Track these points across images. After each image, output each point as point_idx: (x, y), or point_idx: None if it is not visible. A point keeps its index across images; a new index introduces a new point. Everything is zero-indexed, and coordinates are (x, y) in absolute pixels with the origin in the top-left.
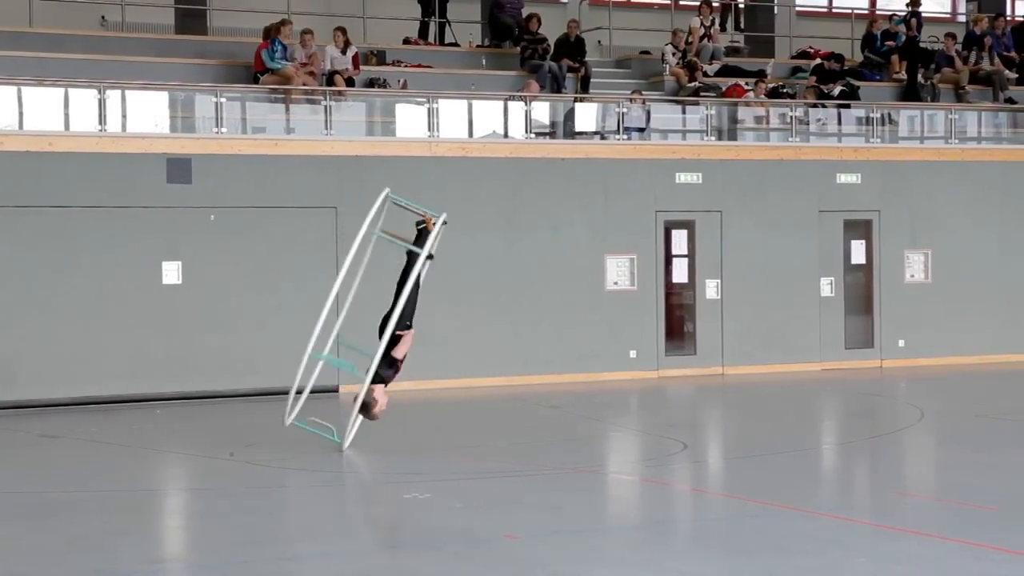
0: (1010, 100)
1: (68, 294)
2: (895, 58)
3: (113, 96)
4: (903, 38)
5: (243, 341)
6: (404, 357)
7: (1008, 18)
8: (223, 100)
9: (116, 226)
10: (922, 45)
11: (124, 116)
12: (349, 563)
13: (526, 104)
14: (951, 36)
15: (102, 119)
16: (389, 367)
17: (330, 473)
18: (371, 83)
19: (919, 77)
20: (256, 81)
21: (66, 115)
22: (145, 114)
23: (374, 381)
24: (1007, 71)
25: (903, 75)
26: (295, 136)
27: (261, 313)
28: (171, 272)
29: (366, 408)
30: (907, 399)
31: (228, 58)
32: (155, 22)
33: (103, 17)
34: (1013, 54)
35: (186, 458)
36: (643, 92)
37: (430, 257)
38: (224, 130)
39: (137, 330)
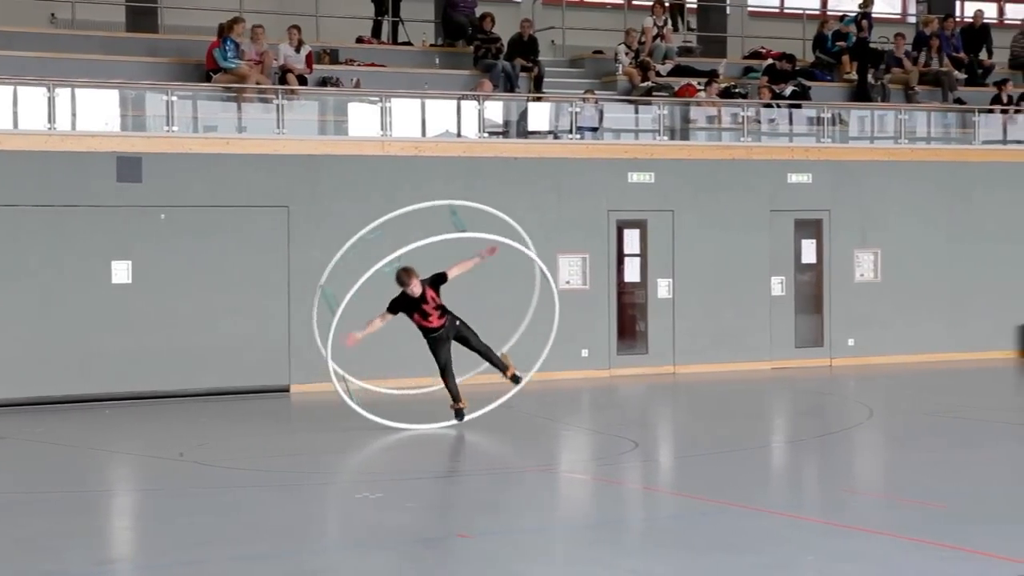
0: (959, 100)
1: (17, 293)
2: (846, 58)
3: (63, 94)
4: (854, 38)
5: (194, 341)
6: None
7: (957, 19)
8: (174, 98)
9: (66, 225)
10: (872, 45)
11: (74, 114)
12: (300, 563)
13: (479, 103)
14: (901, 36)
15: (51, 117)
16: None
17: (281, 473)
18: (324, 82)
19: (869, 77)
20: (208, 79)
21: (15, 113)
22: (95, 112)
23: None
24: (956, 72)
25: (854, 75)
26: (247, 135)
27: (212, 313)
28: (121, 271)
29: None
30: (856, 397)
31: (179, 56)
32: (105, 19)
33: (53, 14)
34: (962, 55)
35: (135, 458)
36: (596, 92)
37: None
38: (175, 129)
39: (87, 330)
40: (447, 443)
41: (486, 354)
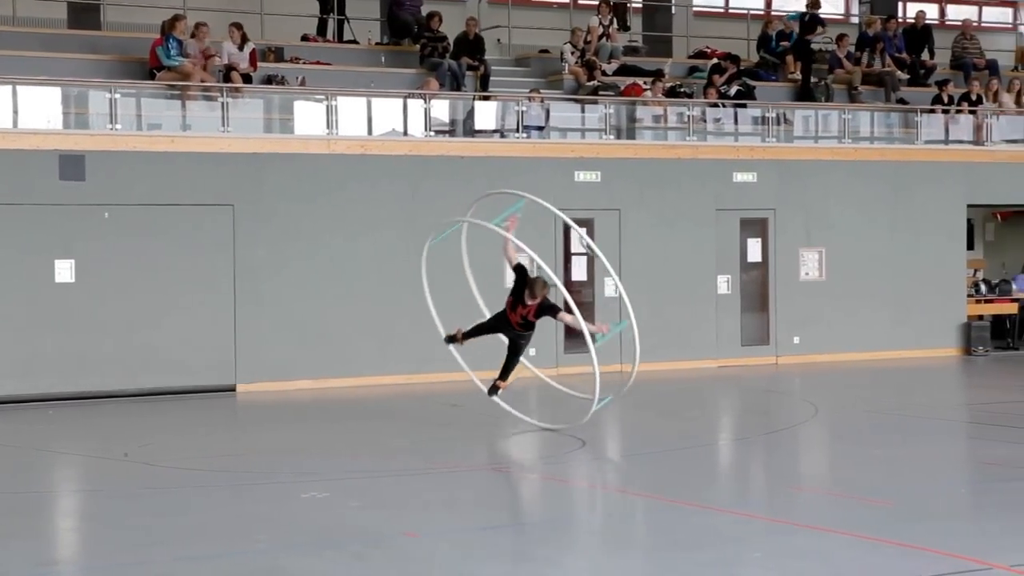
0: (901, 100)
1: None
2: (790, 58)
3: (3, 91)
4: (796, 36)
5: (137, 340)
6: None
7: (900, 20)
8: (117, 96)
9: (7, 223)
10: (813, 45)
11: (15, 112)
12: (246, 563)
13: (425, 102)
14: (844, 37)
15: None
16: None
17: (226, 473)
18: (269, 80)
19: (811, 77)
20: (152, 77)
21: None
22: (37, 110)
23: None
24: (899, 72)
25: (798, 75)
26: (191, 133)
27: (156, 312)
28: (64, 270)
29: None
30: (802, 395)
31: (122, 54)
32: (47, 16)
33: None
34: (905, 55)
35: (79, 459)
36: (542, 91)
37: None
38: (119, 127)
39: (29, 329)
40: (392, 443)
41: (511, 363)
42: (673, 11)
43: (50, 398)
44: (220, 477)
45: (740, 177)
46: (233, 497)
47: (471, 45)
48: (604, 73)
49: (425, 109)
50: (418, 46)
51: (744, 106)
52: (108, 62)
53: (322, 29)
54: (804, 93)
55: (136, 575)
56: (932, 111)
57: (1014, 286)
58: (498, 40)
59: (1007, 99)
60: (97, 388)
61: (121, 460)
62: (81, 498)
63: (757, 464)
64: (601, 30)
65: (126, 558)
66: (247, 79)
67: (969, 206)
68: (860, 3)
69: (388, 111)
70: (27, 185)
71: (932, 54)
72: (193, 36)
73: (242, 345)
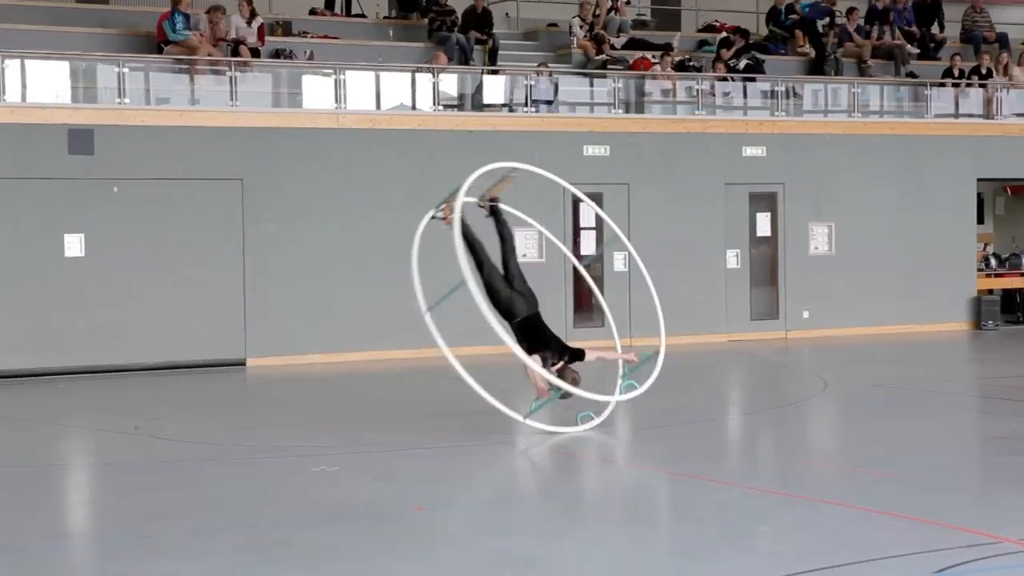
0: (911, 74)
1: None
2: (799, 32)
3: (12, 66)
4: (807, 8)
5: (147, 314)
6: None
7: None
8: (126, 70)
9: (17, 198)
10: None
11: (24, 86)
12: (257, 536)
13: (434, 76)
14: (854, 10)
15: (1, 89)
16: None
17: (237, 447)
18: (277, 54)
19: (827, 48)
20: (159, 51)
21: None
22: (45, 84)
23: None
24: (909, 45)
25: (808, 49)
26: (200, 107)
27: (165, 286)
28: (74, 244)
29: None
30: (811, 369)
31: (130, 28)
32: None
33: None
34: (914, 28)
35: (89, 433)
36: (550, 64)
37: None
38: (127, 101)
39: (39, 303)
40: (402, 416)
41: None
42: None
43: (60, 372)
44: (230, 451)
45: (749, 151)
46: (243, 471)
47: (479, 19)
48: (613, 47)
49: (433, 83)
50: (426, 20)
51: (753, 80)
52: (116, 36)
53: (330, 3)
54: (817, 66)
55: (147, 548)
56: (942, 85)
57: None
58: (506, 14)
59: (1017, 72)
60: (107, 362)
61: (132, 434)
62: (92, 472)
63: (766, 438)
64: (610, 3)
65: (137, 531)
66: (255, 53)
67: (979, 180)
68: None
69: (396, 85)
70: (36, 159)
71: (942, 27)
72: (209, 22)
73: (252, 319)
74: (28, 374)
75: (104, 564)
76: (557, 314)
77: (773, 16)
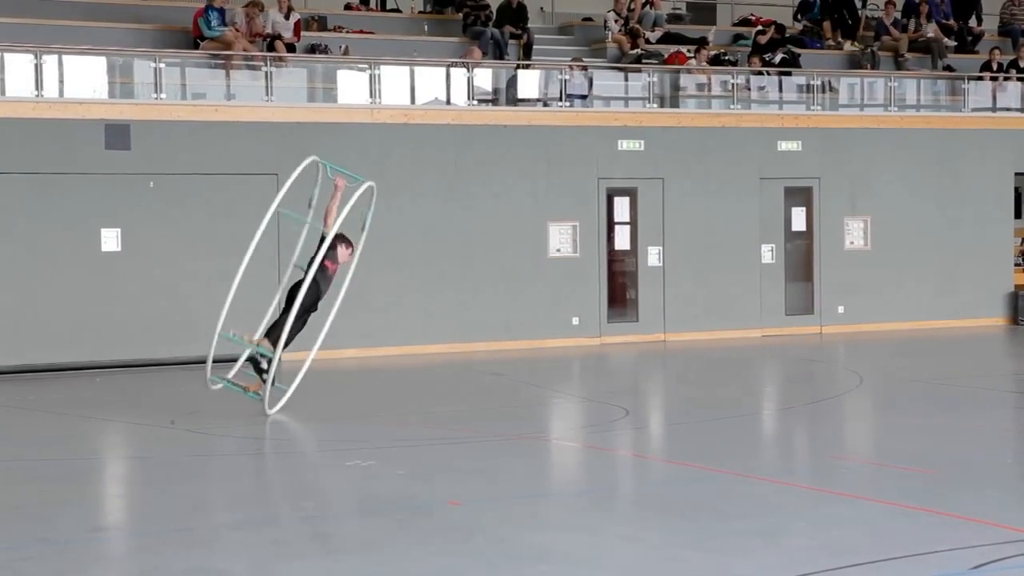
0: (948, 68)
1: (6, 261)
2: (827, 24)
3: (50, 61)
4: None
5: (183, 309)
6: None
7: None
8: (162, 65)
9: (54, 193)
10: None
11: (61, 81)
12: (292, 529)
13: (468, 71)
14: (891, 4)
15: (39, 84)
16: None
17: (273, 441)
18: (312, 49)
19: (854, 44)
20: (196, 47)
21: (2, 80)
22: (82, 80)
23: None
24: (945, 39)
25: (840, 40)
26: (235, 102)
27: (201, 281)
28: (110, 239)
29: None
30: (846, 365)
31: (166, 23)
32: None
33: None
34: (951, 22)
35: (126, 426)
36: (585, 59)
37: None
38: (163, 96)
39: (76, 298)
40: (436, 411)
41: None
42: None
43: (97, 366)
44: (266, 444)
45: (784, 146)
46: (278, 464)
47: (514, 13)
48: (648, 41)
49: (468, 78)
50: (461, 14)
51: (789, 74)
52: (152, 32)
53: None
54: (853, 60)
55: (183, 541)
56: (980, 78)
57: None
58: (541, 8)
59: None
60: (144, 356)
61: (168, 428)
62: (129, 465)
63: (801, 433)
64: None
65: (173, 524)
66: (291, 48)
67: (1017, 174)
68: None
69: (431, 80)
70: (73, 154)
71: (980, 20)
72: (246, 18)
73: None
74: (65, 367)
75: (142, 557)
76: (591, 308)
77: (804, 9)
